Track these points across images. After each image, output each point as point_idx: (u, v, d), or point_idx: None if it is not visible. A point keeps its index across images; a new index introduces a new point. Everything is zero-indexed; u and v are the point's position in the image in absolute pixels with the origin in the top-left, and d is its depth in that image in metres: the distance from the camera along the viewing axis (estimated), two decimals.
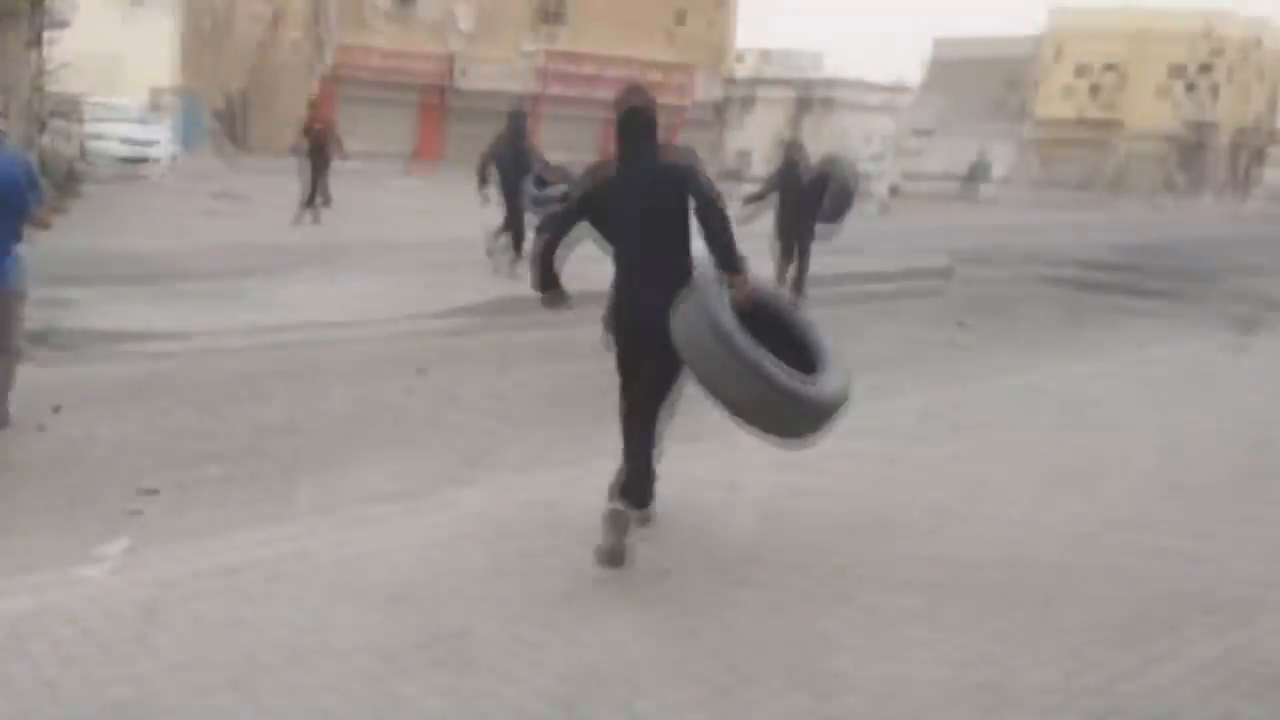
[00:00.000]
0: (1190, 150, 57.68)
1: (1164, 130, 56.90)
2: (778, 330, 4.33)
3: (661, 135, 4.55)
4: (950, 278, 14.66)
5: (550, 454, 5.87)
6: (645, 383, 4.42)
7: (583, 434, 6.24)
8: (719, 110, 36.55)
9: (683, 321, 4.13)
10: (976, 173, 52.82)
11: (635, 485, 4.36)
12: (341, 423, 6.29)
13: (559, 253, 4.64)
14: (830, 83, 31.74)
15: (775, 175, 11.05)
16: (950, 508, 5.10)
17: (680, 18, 44.35)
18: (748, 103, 33.79)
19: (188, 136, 38.74)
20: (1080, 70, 60.01)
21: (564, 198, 8.52)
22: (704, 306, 4.08)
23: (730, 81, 36.61)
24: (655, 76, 42.77)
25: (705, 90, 42.55)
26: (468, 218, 13.45)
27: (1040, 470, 5.81)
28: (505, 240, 12.05)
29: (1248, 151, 63.88)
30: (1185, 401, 7.77)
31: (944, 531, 4.82)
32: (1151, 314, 12.55)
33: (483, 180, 12.12)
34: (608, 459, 4.60)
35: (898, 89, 34.45)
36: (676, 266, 4.35)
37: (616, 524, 4.21)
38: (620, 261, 4.51)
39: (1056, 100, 59.72)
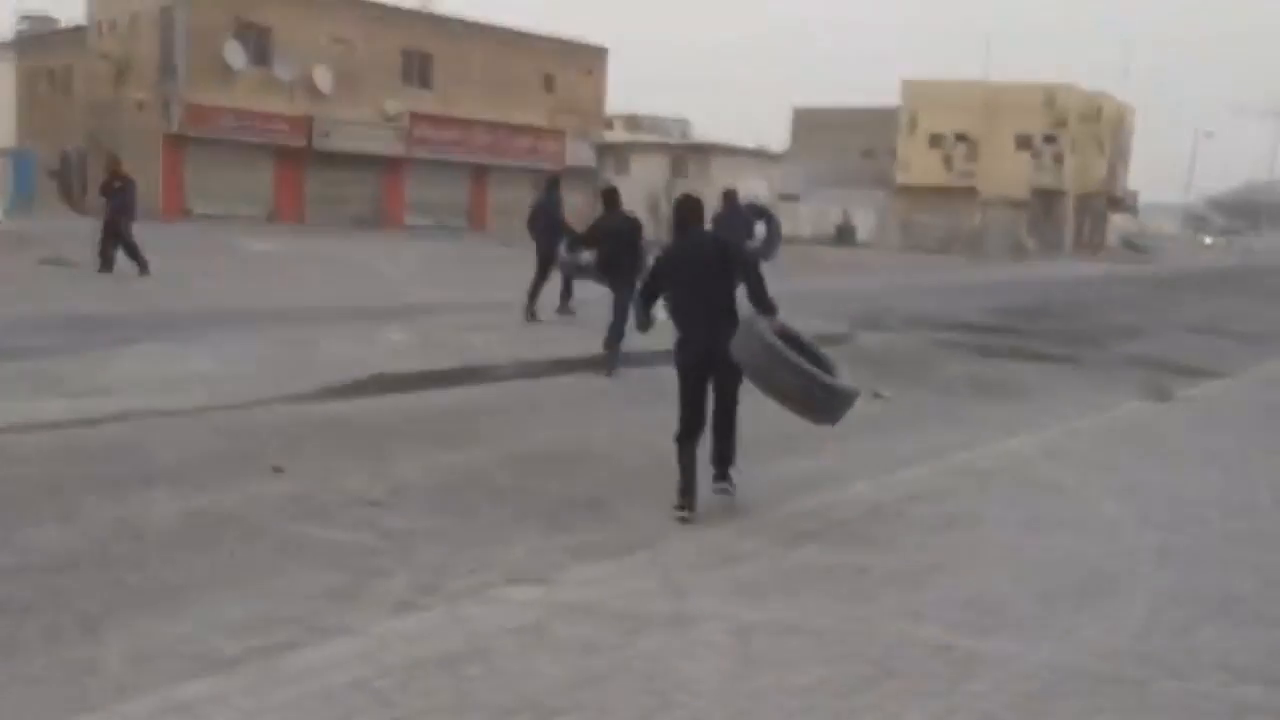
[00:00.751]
0: (1040, 214, 60.19)
1: (1015, 196, 59.19)
2: (798, 348, 5.96)
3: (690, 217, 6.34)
4: (848, 343, 13.97)
5: (445, 580, 4.64)
6: (720, 393, 6.07)
7: (486, 549, 5.03)
8: (593, 174, 35.89)
9: (742, 346, 5.74)
10: (843, 236, 53.79)
11: (723, 460, 6.17)
12: (168, 549, 4.89)
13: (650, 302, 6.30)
14: (704, 146, 31.51)
15: (717, 218, 12.34)
16: (960, 645, 4.07)
17: (549, 83, 43.82)
18: (621, 165, 33.17)
19: (17, 197, 35.79)
20: (934, 140, 62.07)
21: (589, 265, 11.53)
22: (757, 334, 5.72)
23: (603, 145, 36.02)
24: (525, 141, 42.10)
25: (577, 154, 42.00)
26: (330, 281, 12.09)
27: (1040, 583, 4.86)
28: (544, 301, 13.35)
29: (1091, 215, 67.26)
30: (1151, 478, 7.04)
31: (964, 685, 3.77)
32: (1057, 380, 12.07)
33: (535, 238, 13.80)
34: (528, 584, 4.18)
35: (770, 153, 34.51)
36: (726, 310, 5.99)
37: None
38: (681, 310, 6.07)
39: (914, 168, 61.59)
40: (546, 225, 13.62)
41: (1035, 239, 58.33)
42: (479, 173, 41.39)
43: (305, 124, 35.98)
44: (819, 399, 5.98)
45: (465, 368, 9.43)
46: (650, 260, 7.47)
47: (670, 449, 5.99)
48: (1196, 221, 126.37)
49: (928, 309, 18.39)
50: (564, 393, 9.46)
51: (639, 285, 6.78)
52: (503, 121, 41.19)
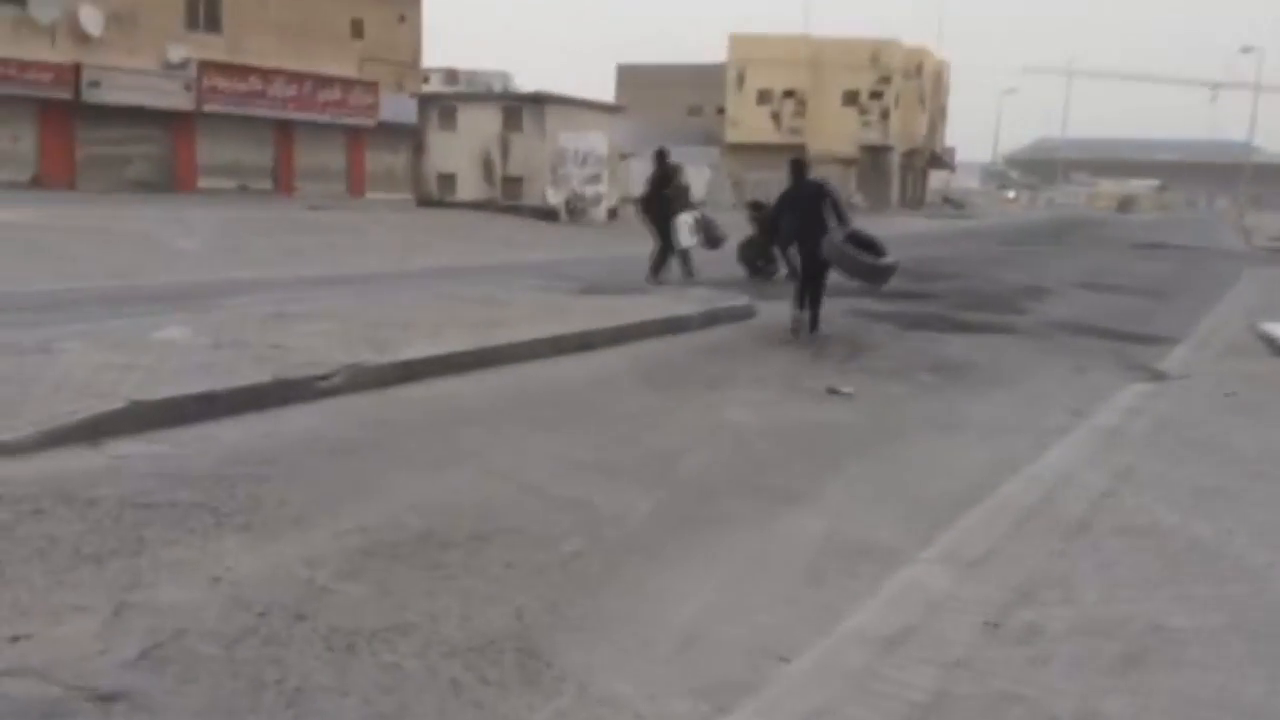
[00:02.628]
0: (868, 171, 60.01)
1: (844, 153, 58.73)
2: (859, 243, 10.47)
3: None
4: (754, 316, 11.70)
5: None
6: (818, 275, 10.60)
7: None
8: (415, 131, 32.34)
9: (829, 246, 10.19)
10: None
11: (816, 318, 10.61)
12: None
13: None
14: (540, 97, 28.51)
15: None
16: None
17: (357, 29, 39.75)
18: (447, 119, 29.83)
19: None
20: (763, 96, 60.97)
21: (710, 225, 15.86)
22: (833, 242, 10.15)
23: (425, 97, 32.49)
24: (332, 94, 37.93)
25: (393, 109, 38.20)
26: (97, 258, 8.86)
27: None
28: (674, 267, 14.98)
29: (913, 171, 67.90)
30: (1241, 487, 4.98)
31: None
32: (1013, 356, 10.12)
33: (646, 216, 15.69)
34: None
35: (611, 105, 31.89)
36: (821, 227, 10.25)
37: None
38: (796, 229, 10.63)
39: (744, 125, 60.36)
40: (659, 197, 15.23)
41: (864, 196, 58.12)
42: (283, 129, 37.06)
43: (72, 73, 30.92)
44: (867, 272, 10.61)
45: (278, 382, 6.53)
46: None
47: None
48: (998, 177, 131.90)
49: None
50: (428, 414, 6.69)
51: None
52: (308, 71, 36.96)
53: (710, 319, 10.94)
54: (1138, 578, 4.13)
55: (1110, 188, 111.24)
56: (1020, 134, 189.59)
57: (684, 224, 15.04)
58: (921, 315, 12.69)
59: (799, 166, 12.06)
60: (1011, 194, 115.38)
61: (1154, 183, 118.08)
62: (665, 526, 4.69)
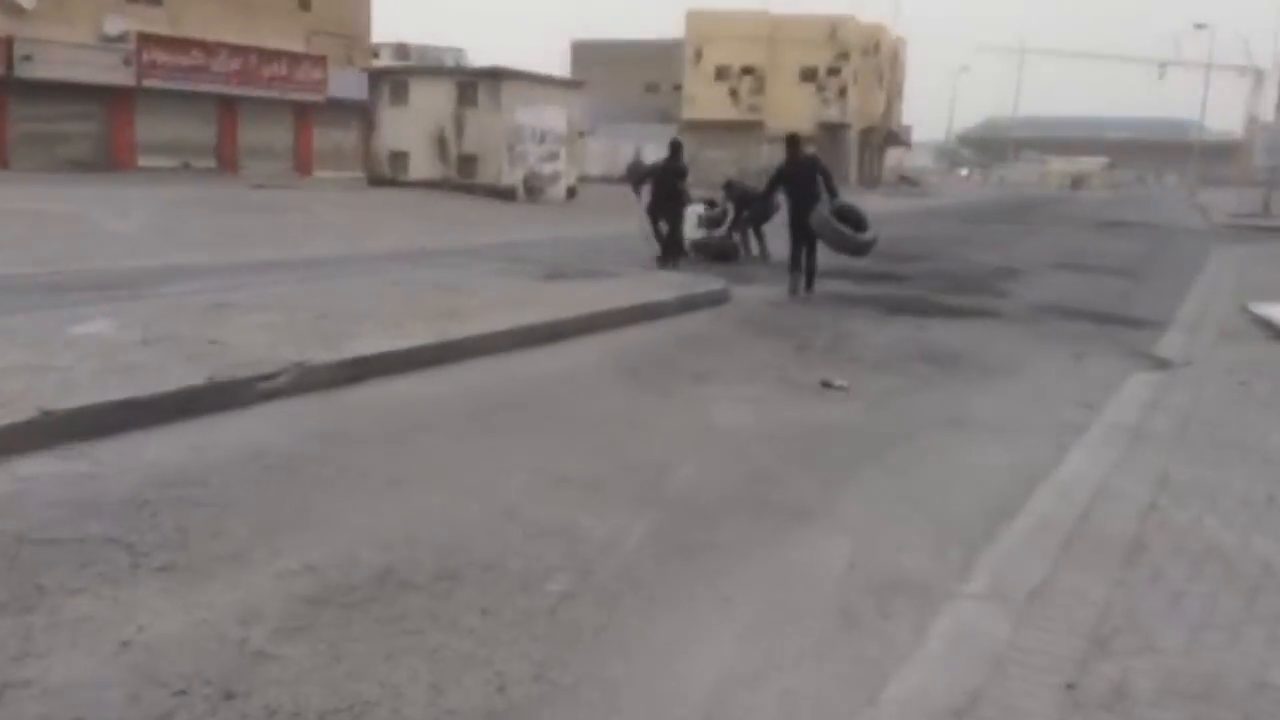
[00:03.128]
0: (826, 148, 59.50)
1: (802, 130, 58.16)
2: (848, 216, 11.60)
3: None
4: (729, 300, 11.08)
5: None
6: (808, 243, 11.74)
7: None
8: (366, 107, 31.26)
9: (816, 218, 11.33)
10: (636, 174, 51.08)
11: (811, 279, 11.90)
12: None
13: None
14: (496, 71, 27.60)
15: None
16: None
17: (304, 2, 38.44)
18: (399, 95, 28.82)
19: None
20: (720, 73, 60.26)
21: (722, 216, 16.03)
22: (820, 215, 11.29)
23: (377, 72, 31.39)
24: (278, 69, 36.62)
25: (342, 85, 37.00)
26: (23, 243, 7.99)
27: None
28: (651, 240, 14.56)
29: (870, 149, 67.60)
30: None
31: None
32: (1003, 343, 9.60)
33: (637, 193, 15.73)
34: None
35: (569, 81, 31.03)
36: (813, 200, 11.41)
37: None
38: (791, 201, 11.92)
39: (701, 102, 59.63)
40: (666, 182, 14.54)
41: None
42: (227, 105, 35.74)
43: (3, 47, 29.46)
44: (850, 245, 11.78)
45: (213, 385, 5.79)
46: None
47: None
48: (950, 155, 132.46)
49: (780, 251, 15.75)
50: (377, 423, 5.98)
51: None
52: (252, 45, 35.64)
53: (686, 304, 10.30)
54: (1217, 615, 3.56)
55: (1061, 166, 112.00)
56: (970, 113, 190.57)
57: (692, 214, 15.24)
58: (901, 299, 12.15)
59: (795, 142, 12.64)
60: (965, 172, 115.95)
61: (1103, 160, 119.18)
62: (664, 557, 4.06)
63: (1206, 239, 26.09)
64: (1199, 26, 72.11)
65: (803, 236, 11.77)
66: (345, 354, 6.62)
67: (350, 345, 6.93)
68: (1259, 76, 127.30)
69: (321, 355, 6.54)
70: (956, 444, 5.92)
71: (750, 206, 15.57)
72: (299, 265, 13.10)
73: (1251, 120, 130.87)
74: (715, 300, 10.84)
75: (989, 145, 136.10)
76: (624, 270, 12.64)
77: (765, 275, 13.78)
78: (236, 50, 35.17)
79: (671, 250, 14.30)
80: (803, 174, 11.83)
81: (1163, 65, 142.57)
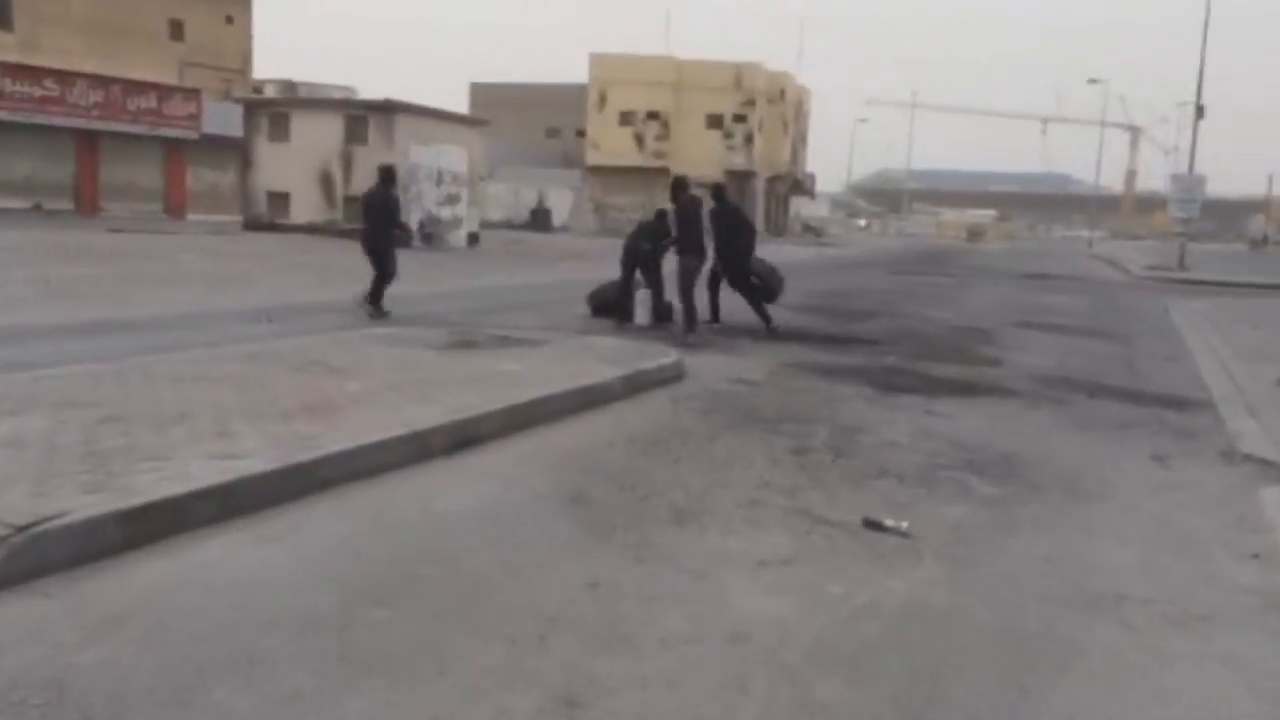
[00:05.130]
0: (733, 196, 58.17)
1: (708, 177, 56.79)
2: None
3: None
4: (683, 376, 8.74)
5: None
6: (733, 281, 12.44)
7: None
8: (243, 142, 28.26)
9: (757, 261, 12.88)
10: (538, 220, 48.82)
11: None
12: None
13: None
14: (390, 105, 24.98)
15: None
16: None
17: (176, 30, 35.34)
18: (279, 129, 25.96)
19: None
20: (625, 118, 58.58)
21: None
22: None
23: (253, 104, 28.43)
24: (146, 101, 33.24)
25: (220, 120, 33.90)
26: None
27: None
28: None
29: (775, 198, 66.65)
30: None
31: None
32: (1034, 433, 7.49)
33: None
34: None
35: (469, 118, 28.55)
36: (744, 243, 12.55)
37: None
38: (723, 245, 12.36)
39: (605, 147, 57.81)
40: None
41: None
42: (87, 141, 32.33)
43: None
44: (777, 284, 13.12)
45: None
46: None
47: None
48: (846, 206, 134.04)
49: (727, 308, 13.51)
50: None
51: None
52: (116, 76, 32.36)
53: (633, 385, 7.90)
54: None
55: (953, 217, 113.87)
56: (861, 164, 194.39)
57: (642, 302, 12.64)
58: (880, 370, 9.99)
59: (721, 190, 13.46)
60: (863, 222, 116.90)
61: (991, 213, 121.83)
62: None
63: (1143, 293, 24.95)
64: (1092, 81, 73.51)
65: (732, 276, 12.53)
66: (116, 502, 4.02)
67: (137, 477, 4.33)
68: (1135, 133, 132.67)
69: (79, 504, 3.94)
70: (1128, 648, 3.64)
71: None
72: (131, 328, 10.35)
73: (1130, 174, 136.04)
74: (668, 377, 8.48)
75: (882, 196, 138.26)
76: (545, 334, 10.21)
77: (711, 340, 11.52)
78: (98, 81, 31.86)
79: (662, 316, 12.59)
80: (732, 219, 12.62)
81: (1045, 120, 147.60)
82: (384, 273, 12.09)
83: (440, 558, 4.13)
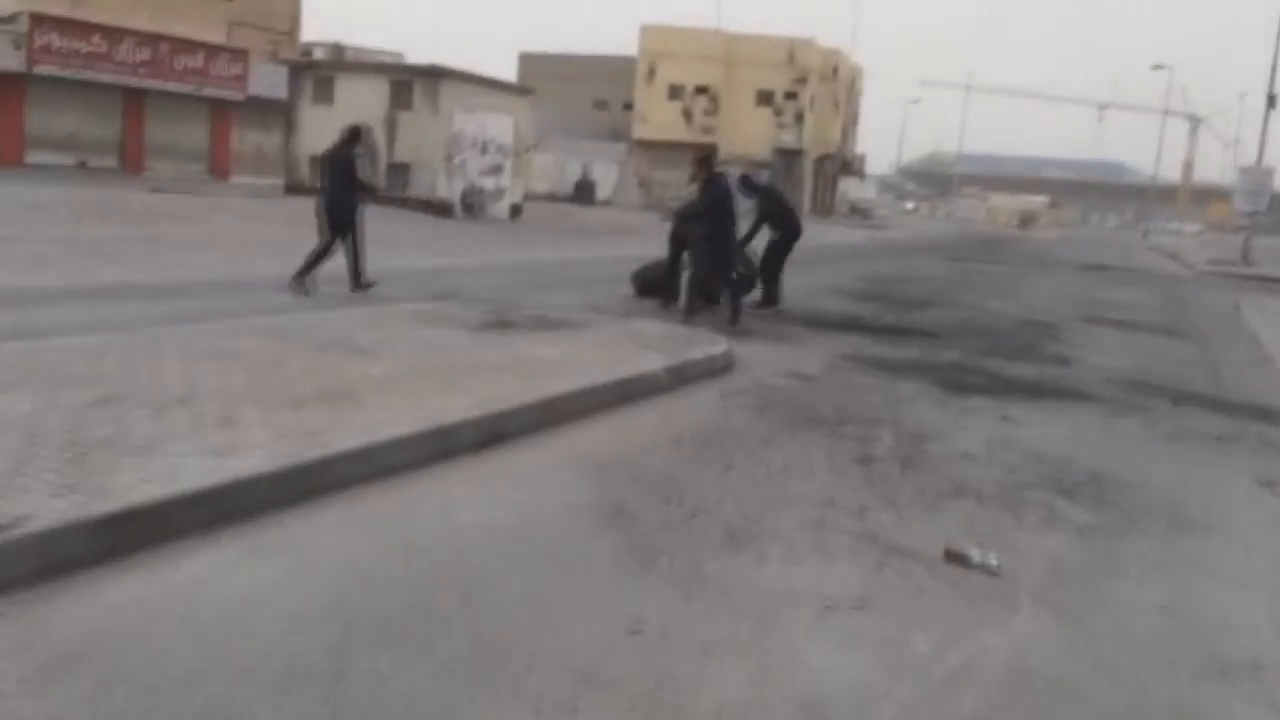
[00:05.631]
0: (781, 175, 57.15)
1: (757, 155, 55.84)
2: None
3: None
4: (733, 367, 8.12)
5: None
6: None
7: None
8: (285, 104, 27.85)
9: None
10: (582, 193, 48.18)
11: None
12: None
13: None
14: (437, 71, 24.41)
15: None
16: None
17: None
18: (323, 93, 25.50)
19: None
20: (674, 92, 57.64)
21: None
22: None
23: (299, 66, 27.97)
24: (193, 61, 32.92)
25: (267, 82, 33.51)
26: None
27: None
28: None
29: (824, 177, 65.47)
30: None
31: None
32: (1123, 444, 6.80)
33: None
34: None
35: (517, 87, 27.90)
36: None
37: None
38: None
39: (653, 120, 56.93)
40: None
41: None
42: (133, 99, 32.05)
43: None
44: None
45: None
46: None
47: None
48: (894, 188, 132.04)
49: (787, 290, 12.87)
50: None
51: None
52: (164, 34, 32.03)
53: (679, 376, 7.29)
54: None
55: (1004, 202, 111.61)
56: (911, 147, 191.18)
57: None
58: (943, 366, 9.30)
59: (748, 179, 12.68)
60: (910, 205, 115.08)
61: (1043, 199, 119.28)
62: None
63: (1209, 289, 23.89)
64: (1156, 67, 71.34)
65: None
66: (88, 507, 3.48)
67: (121, 474, 3.80)
68: (1195, 123, 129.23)
69: (41, 509, 3.41)
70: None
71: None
72: (154, 293, 9.91)
73: (1188, 165, 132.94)
74: (717, 369, 7.86)
75: (931, 179, 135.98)
76: (587, 316, 9.61)
77: (762, 327, 10.88)
78: (145, 38, 31.53)
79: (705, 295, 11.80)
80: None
81: (1101, 107, 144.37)
82: (334, 239, 10.92)
83: (459, 587, 3.56)
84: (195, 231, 16.46)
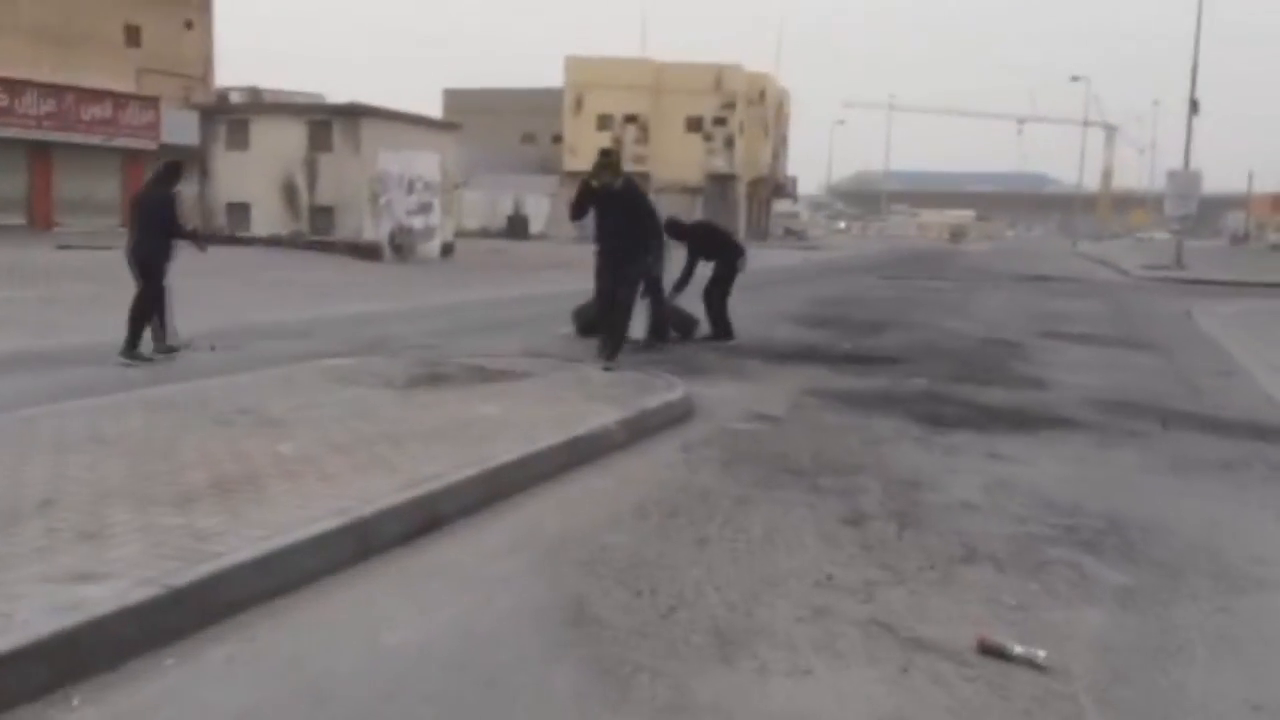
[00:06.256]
0: (715, 200, 56.97)
1: (690, 181, 55.60)
2: None
3: None
4: (692, 415, 7.37)
5: None
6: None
7: None
8: (200, 152, 26.70)
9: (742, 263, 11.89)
10: (515, 227, 47.42)
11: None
12: None
13: None
14: (356, 109, 23.53)
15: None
16: None
17: (133, 36, 33.69)
18: (238, 137, 24.45)
19: None
20: (603, 122, 57.29)
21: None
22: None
23: (210, 110, 26.88)
24: (102, 111, 31.60)
25: (181, 129, 32.26)
26: None
27: None
28: None
29: (757, 201, 65.45)
30: None
31: None
32: (1130, 480, 6.19)
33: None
34: None
35: (442, 122, 27.08)
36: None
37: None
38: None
39: (583, 151, 56.25)
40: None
41: None
42: (39, 153, 30.63)
43: None
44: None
45: None
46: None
47: None
48: (825, 208, 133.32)
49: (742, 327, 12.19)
50: None
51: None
52: (69, 84, 30.70)
53: (637, 429, 6.52)
54: None
55: (933, 218, 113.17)
56: (838, 166, 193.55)
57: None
58: (914, 397, 8.66)
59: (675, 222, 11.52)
60: (842, 225, 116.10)
61: (970, 213, 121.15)
62: None
63: (1153, 295, 23.81)
64: (1075, 79, 72.79)
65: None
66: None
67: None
68: (1111, 131, 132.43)
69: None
70: None
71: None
72: (47, 362, 8.94)
73: (1106, 173, 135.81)
74: (676, 416, 7.10)
75: (860, 198, 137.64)
76: (528, 363, 8.81)
77: (716, 362, 10.19)
78: (50, 89, 30.17)
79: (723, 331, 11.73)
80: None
81: (1021, 120, 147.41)
82: (149, 290, 9.54)
83: None
84: (98, 291, 15.35)
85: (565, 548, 4.43)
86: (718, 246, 12.37)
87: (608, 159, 9.73)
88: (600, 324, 9.74)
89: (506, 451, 5.30)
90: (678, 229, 11.88)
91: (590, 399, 6.94)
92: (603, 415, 6.41)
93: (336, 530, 4.00)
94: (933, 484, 5.78)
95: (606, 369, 8.57)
